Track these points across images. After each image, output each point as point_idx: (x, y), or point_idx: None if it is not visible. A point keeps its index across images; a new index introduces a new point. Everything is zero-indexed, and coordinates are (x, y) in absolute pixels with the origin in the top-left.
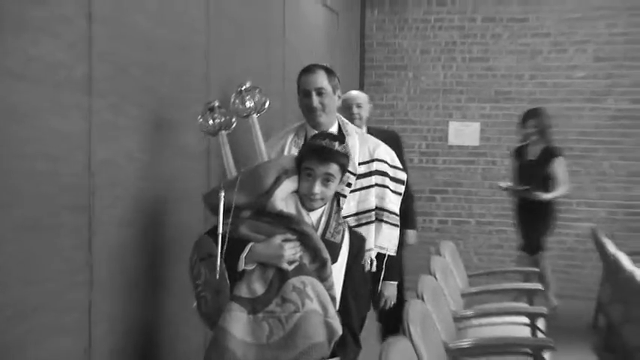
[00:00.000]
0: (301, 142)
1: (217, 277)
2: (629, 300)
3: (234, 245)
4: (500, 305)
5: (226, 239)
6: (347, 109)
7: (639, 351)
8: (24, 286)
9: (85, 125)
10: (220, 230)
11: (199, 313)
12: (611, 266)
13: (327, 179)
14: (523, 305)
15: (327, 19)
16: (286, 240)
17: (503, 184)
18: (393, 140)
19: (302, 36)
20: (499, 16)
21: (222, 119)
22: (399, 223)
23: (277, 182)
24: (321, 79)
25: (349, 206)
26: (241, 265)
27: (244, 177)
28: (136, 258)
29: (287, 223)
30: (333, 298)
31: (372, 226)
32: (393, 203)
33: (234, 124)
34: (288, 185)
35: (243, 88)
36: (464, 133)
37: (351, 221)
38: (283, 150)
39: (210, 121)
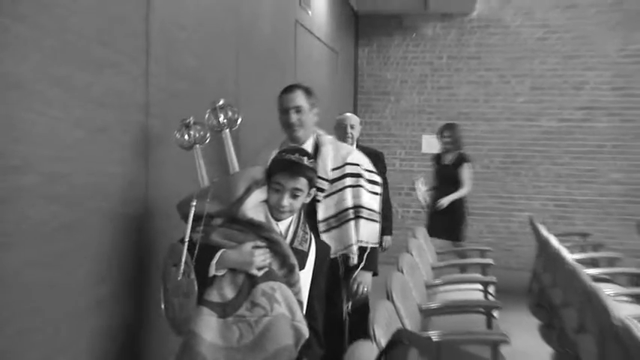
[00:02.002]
0: None
1: (179, 278)
2: (555, 270)
3: (206, 252)
4: (461, 276)
5: (197, 246)
6: (342, 129)
7: (562, 307)
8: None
9: (144, 138)
10: (187, 237)
11: (166, 316)
12: (543, 245)
13: (295, 193)
14: (478, 275)
15: (329, 56)
16: (256, 247)
17: (422, 197)
18: (377, 158)
19: (310, 69)
20: (460, 55)
21: (197, 134)
22: (377, 219)
23: (248, 192)
24: (299, 99)
25: (328, 209)
26: (212, 271)
27: (216, 186)
28: (118, 260)
29: (257, 231)
30: (300, 303)
31: (352, 224)
32: (370, 200)
33: (208, 139)
34: (258, 195)
35: (217, 106)
36: (433, 143)
37: (333, 222)
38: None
39: (186, 137)
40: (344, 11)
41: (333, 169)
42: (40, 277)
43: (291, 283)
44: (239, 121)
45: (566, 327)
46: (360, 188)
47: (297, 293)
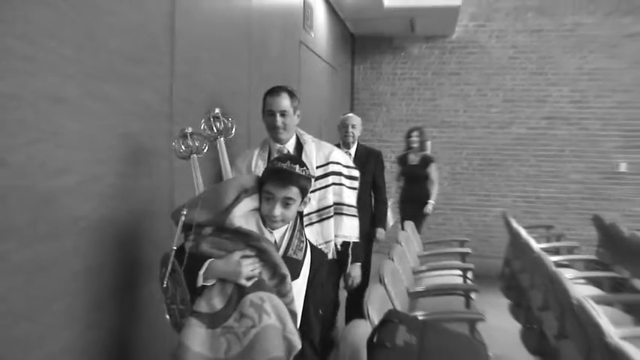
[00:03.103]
0: (265, 154)
1: (164, 285)
2: (524, 257)
3: (196, 261)
4: (443, 263)
5: (186, 255)
6: (344, 128)
7: (529, 289)
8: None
9: (168, 144)
10: (175, 245)
11: (171, 323)
12: (514, 236)
13: (286, 203)
14: (458, 262)
15: (330, 72)
16: (245, 256)
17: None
18: (376, 156)
19: (313, 83)
20: (442, 71)
21: (195, 145)
22: (357, 214)
23: (237, 200)
24: (285, 102)
25: (311, 205)
26: (200, 281)
27: (206, 195)
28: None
29: (246, 240)
30: (292, 313)
31: (332, 220)
32: (350, 197)
33: (206, 149)
34: (248, 204)
35: (212, 115)
36: None
37: (314, 217)
38: (251, 163)
39: (183, 147)
40: (342, 33)
41: (317, 167)
42: (80, 264)
43: (283, 293)
44: (234, 129)
45: (533, 306)
46: (342, 186)
47: (289, 303)
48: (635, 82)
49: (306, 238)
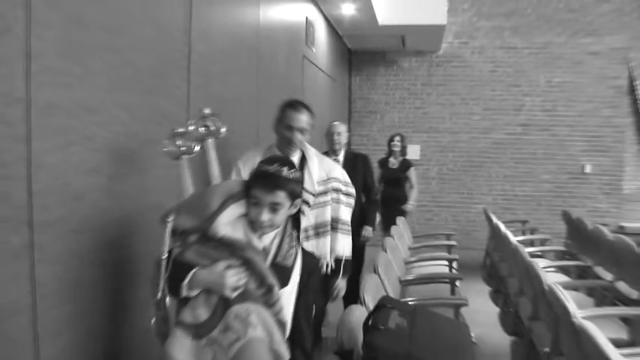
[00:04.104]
0: None
1: (158, 297)
2: (503, 249)
3: (180, 269)
4: (432, 254)
5: (170, 264)
6: (330, 136)
7: (507, 277)
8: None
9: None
10: (165, 254)
11: (155, 330)
12: (494, 230)
13: (274, 208)
14: (444, 254)
15: (329, 83)
16: (230, 266)
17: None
18: (363, 158)
19: (314, 93)
20: (430, 82)
21: (185, 145)
22: (350, 230)
23: (222, 207)
24: (306, 120)
25: (309, 220)
26: (183, 292)
27: (192, 200)
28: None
29: (231, 249)
30: (281, 323)
31: (329, 237)
32: (346, 214)
33: (197, 150)
34: (235, 210)
35: (202, 115)
36: (411, 151)
37: (311, 232)
38: (253, 167)
39: (173, 147)
40: (340, 48)
41: (318, 184)
42: (110, 255)
43: (270, 303)
44: (222, 130)
45: (510, 292)
46: (340, 204)
47: (277, 313)
48: (596, 94)
49: (296, 243)
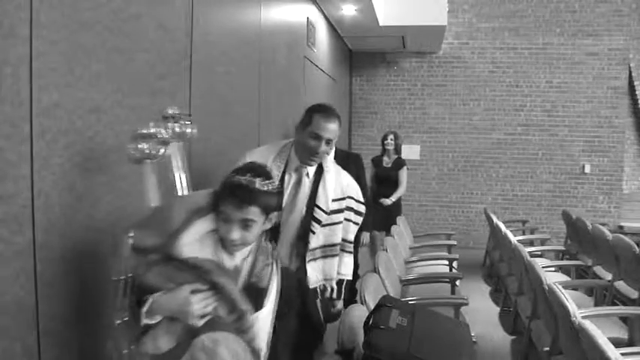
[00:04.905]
0: (282, 164)
1: (117, 323)
2: (503, 248)
3: (140, 293)
4: (432, 253)
5: (128, 287)
6: None
7: (507, 277)
8: None
9: (189, 146)
10: (122, 275)
11: (110, 357)
12: (494, 229)
13: (245, 224)
14: (444, 253)
15: (330, 83)
16: (196, 291)
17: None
18: (355, 158)
19: (315, 94)
20: (430, 83)
21: (150, 149)
22: (353, 250)
23: (187, 223)
24: (336, 131)
25: (318, 239)
26: (142, 320)
27: (155, 214)
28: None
29: (197, 272)
30: (255, 351)
31: (336, 259)
32: (353, 233)
33: (161, 154)
34: (202, 225)
35: (166, 115)
36: (411, 151)
37: (318, 253)
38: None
39: (134, 151)
40: (341, 49)
41: (333, 200)
42: (115, 254)
43: (242, 330)
44: (190, 132)
45: (510, 291)
46: (350, 222)
47: (250, 341)
48: (595, 94)
49: (273, 260)
